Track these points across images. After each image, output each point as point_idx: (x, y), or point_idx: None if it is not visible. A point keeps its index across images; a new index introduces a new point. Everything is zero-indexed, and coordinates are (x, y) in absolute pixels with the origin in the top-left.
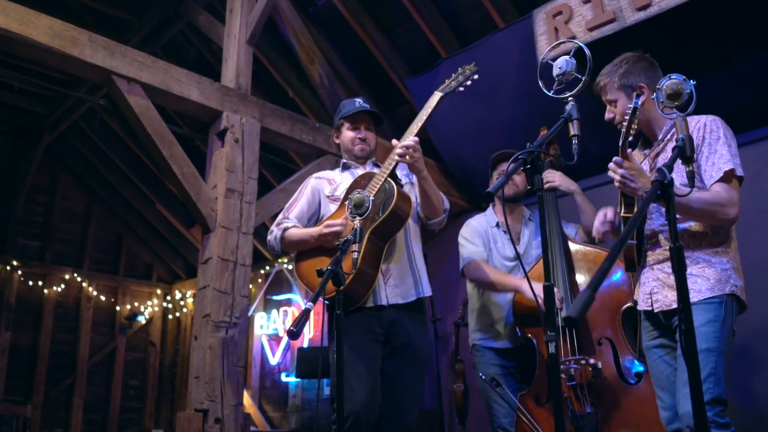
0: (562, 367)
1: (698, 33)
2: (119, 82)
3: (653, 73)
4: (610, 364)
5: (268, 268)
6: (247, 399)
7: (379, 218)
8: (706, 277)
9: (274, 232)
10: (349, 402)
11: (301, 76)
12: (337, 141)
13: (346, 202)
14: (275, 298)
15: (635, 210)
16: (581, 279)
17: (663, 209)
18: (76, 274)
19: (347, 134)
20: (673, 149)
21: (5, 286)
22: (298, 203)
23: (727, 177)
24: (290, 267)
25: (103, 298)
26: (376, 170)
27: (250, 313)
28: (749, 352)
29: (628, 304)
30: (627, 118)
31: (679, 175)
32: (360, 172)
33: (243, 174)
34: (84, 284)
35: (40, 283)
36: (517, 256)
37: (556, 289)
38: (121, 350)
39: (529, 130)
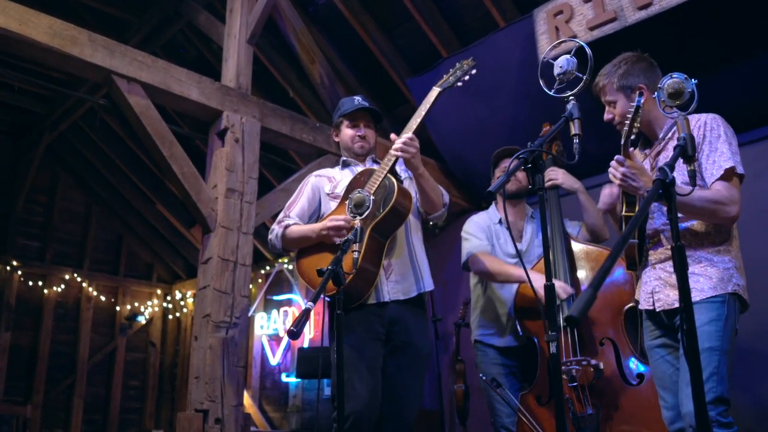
0: (563, 367)
1: (698, 32)
2: (119, 82)
3: (652, 74)
4: (611, 364)
5: (268, 268)
6: (247, 399)
7: (380, 214)
8: (708, 276)
9: (276, 230)
10: (351, 401)
11: (302, 75)
12: (336, 139)
13: (347, 201)
14: (275, 298)
15: (637, 209)
16: (583, 278)
17: (664, 208)
18: (76, 275)
19: (347, 132)
20: (675, 148)
21: (5, 286)
22: (299, 201)
23: (728, 175)
24: (290, 267)
25: (103, 298)
26: (375, 167)
27: (250, 314)
28: (752, 352)
29: (631, 304)
30: (629, 116)
31: (680, 174)
32: (360, 169)
33: (243, 174)
34: (84, 284)
35: (40, 283)
36: (518, 254)
37: (563, 283)
38: (121, 350)
39: (529, 130)
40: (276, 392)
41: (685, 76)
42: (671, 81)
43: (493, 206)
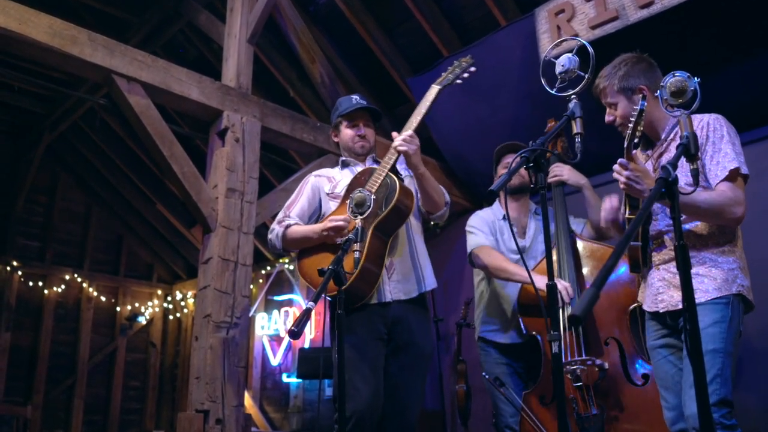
0: (568, 367)
1: (700, 31)
2: (119, 82)
3: (653, 74)
4: (616, 364)
5: (269, 268)
6: (248, 400)
7: (382, 213)
8: (712, 277)
9: (276, 230)
10: (353, 401)
11: (302, 75)
12: (336, 139)
13: (348, 201)
14: (276, 298)
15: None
16: (589, 276)
17: (668, 210)
18: (76, 275)
19: (346, 132)
20: (678, 147)
21: (5, 286)
22: (299, 201)
23: (733, 176)
24: (291, 267)
25: (103, 298)
26: (376, 166)
27: (251, 314)
28: (757, 352)
29: (636, 304)
30: (633, 119)
31: (683, 175)
32: (360, 169)
33: (244, 173)
34: (84, 285)
35: (40, 283)
36: (519, 251)
37: (566, 284)
38: (121, 351)
39: (531, 129)
40: (277, 393)
41: (688, 74)
42: (674, 79)
43: (497, 202)
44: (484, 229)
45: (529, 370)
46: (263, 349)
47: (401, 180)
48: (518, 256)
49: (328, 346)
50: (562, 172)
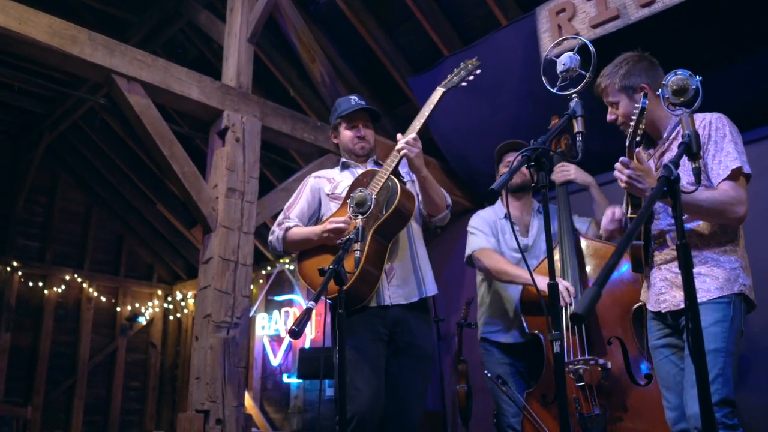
0: (570, 367)
1: (702, 30)
2: (119, 81)
3: (654, 73)
4: (619, 364)
5: (269, 268)
6: (248, 400)
7: (383, 216)
8: (714, 277)
9: (276, 232)
10: (354, 402)
11: (302, 74)
12: (335, 141)
13: (348, 201)
14: (276, 298)
15: None
16: (592, 274)
17: (670, 209)
18: (76, 275)
19: (346, 134)
20: (679, 145)
21: (5, 286)
22: (298, 203)
23: (735, 175)
24: (292, 267)
25: (103, 298)
26: (377, 168)
27: (251, 314)
28: (759, 351)
29: (639, 303)
30: (634, 118)
31: (685, 173)
32: (360, 171)
33: (244, 173)
34: (84, 285)
35: (40, 283)
36: (520, 250)
37: (568, 284)
38: (121, 351)
39: (532, 128)
40: (277, 393)
41: (690, 72)
42: (675, 78)
43: (499, 201)
44: (485, 230)
45: (532, 369)
46: (264, 349)
47: (403, 183)
48: (520, 256)
49: (329, 347)
50: (569, 170)
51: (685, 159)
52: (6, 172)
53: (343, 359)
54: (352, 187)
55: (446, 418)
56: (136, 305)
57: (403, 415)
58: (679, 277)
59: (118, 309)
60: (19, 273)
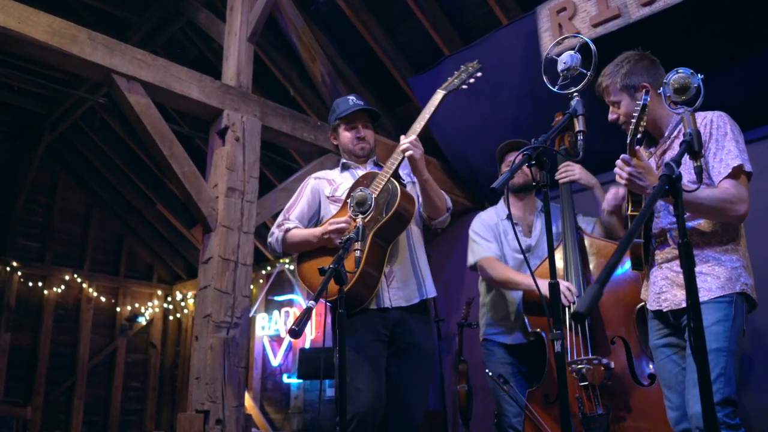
0: (573, 366)
1: (703, 28)
2: (119, 81)
3: (655, 71)
4: (623, 364)
5: (269, 268)
6: (248, 400)
7: (383, 219)
8: (716, 276)
9: (276, 234)
10: (355, 403)
11: (303, 74)
12: (335, 142)
13: (348, 200)
14: (277, 298)
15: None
16: (596, 273)
17: (671, 207)
18: (76, 275)
19: (345, 135)
20: (681, 144)
21: (5, 287)
22: (298, 204)
23: (736, 173)
24: (292, 267)
25: (103, 299)
26: (377, 170)
27: (251, 314)
28: (760, 351)
29: (642, 303)
30: (636, 115)
31: (686, 172)
32: (360, 172)
33: (244, 173)
34: (84, 285)
35: (40, 284)
36: (522, 252)
37: (570, 284)
38: (121, 351)
39: (533, 128)
40: (277, 393)
41: (691, 71)
42: (677, 76)
43: (501, 202)
44: (487, 236)
45: (534, 370)
46: (264, 349)
47: (403, 185)
48: (522, 256)
49: (329, 347)
50: (573, 170)
51: (686, 157)
52: (6, 172)
53: (343, 359)
54: (352, 190)
55: (447, 418)
56: (136, 305)
57: (404, 415)
58: (680, 275)
59: (118, 309)
60: (19, 273)
